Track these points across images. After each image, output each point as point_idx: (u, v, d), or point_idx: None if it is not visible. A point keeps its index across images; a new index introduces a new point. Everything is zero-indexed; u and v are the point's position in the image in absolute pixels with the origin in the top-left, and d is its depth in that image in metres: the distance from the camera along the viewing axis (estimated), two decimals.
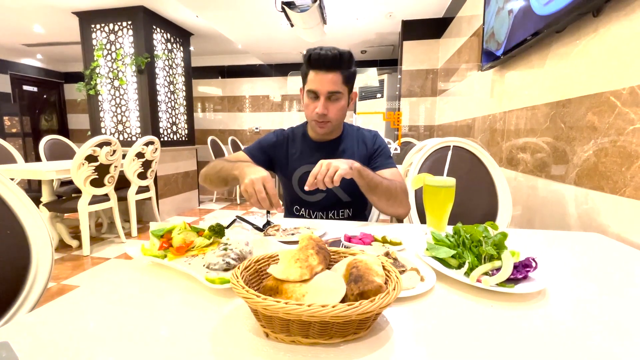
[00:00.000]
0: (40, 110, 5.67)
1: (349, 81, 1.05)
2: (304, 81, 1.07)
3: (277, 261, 0.52)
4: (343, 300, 0.43)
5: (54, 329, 0.45)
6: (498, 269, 0.59)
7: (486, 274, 0.59)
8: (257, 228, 0.88)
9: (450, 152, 0.85)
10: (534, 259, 0.57)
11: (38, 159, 3.33)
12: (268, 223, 0.93)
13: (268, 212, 0.97)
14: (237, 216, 0.98)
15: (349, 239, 0.78)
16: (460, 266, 0.64)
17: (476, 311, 0.50)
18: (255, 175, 0.83)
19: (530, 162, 1.40)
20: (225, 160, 1.09)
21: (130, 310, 0.50)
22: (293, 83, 5.15)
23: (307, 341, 0.41)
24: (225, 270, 0.58)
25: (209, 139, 4.82)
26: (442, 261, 0.65)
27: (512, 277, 0.56)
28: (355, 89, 1.13)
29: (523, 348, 0.41)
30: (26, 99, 5.42)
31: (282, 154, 1.18)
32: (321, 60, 0.99)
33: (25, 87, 5.49)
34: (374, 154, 1.16)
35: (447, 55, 3.19)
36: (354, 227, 0.95)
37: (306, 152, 1.15)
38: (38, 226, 0.87)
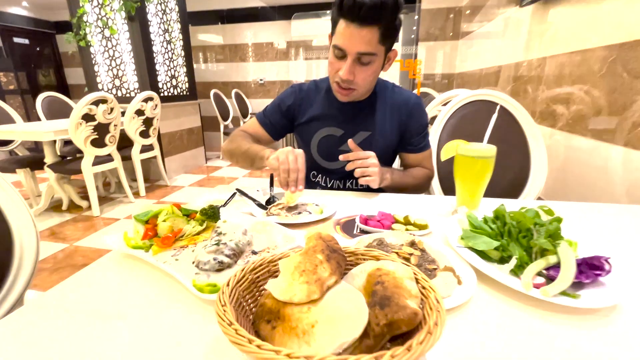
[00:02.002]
0: (35, 64, 5.41)
1: (389, 38, 0.81)
2: (333, 29, 0.84)
3: (278, 269, 0.42)
4: (365, 330, 0.33)
5: (11, 344, 0.37)
6: (553, 267, 0.47)
7: (539, 273, 0.47)
8: (260, 205, 0.77)
9: (496, 114, 0.69)
10: (607, 260, 0.44)
11: (39, 117, 3.21)
12: (271, 199, 0.82)
13: (271, 186, 0.85)
14: (237, 189, 0.87)
15: (365, 220, 0.66)
16: (503, 260, 0.52)
17: (530, 328, 0.40)
18: (289, 148, 0.79)
19: (573, 118, 1.22)
20: (249, 137, 1.02)
21: (100, 325, 0.41)
22: (298, 28, 4.70)
23: None
24: (219, 270, 0.48)
25: (212, 92, 4.57)
26: (480, 252, 0.53)
27: (575, 280, 0.44)
28: None
29: None
30: (18, 53, 5.15)
31: (302, 114, 1.02)
32: (356, 9, 0.74)
33: (16, 40, 5.18)
34: (408, 128, 0.99)
35: None
36: (371, 202, 0.83)
37: (329, 114, 0.98)
38: (19, 211, 0.78)
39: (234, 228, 0.57)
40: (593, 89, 1.09)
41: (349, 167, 0.82)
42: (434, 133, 1.26)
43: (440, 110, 1.80)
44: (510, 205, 0.61)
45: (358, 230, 0.66)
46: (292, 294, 0.35)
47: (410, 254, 0.53)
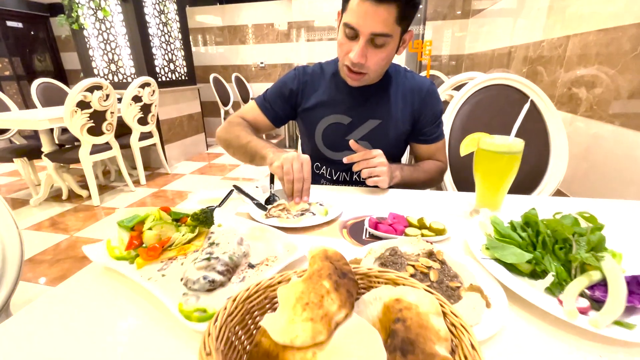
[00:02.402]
0: (30, 49, 5.27)
1: (407, 18, 0.72)
2: (344, 5, 0.75)
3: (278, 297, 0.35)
4: None
5: None
6: (598, 286, 0.41)
7: (581, 294, 0.41)
8: (259, 205, 0.71)
9: (528, 105, 0.60)
10: None
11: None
12: (271, 198, 0.75)
13: (272, 183, 0.79)
14: (234, 186, 0.80)
15: (375, 225, 0.59)
16: (534, 274, 0.46)
17: None
18: (294, 153, 0.71)
19: (597, 103, 1.12)
20: (248, 126, 0.93)
21: (74, 355, 0.36)
22: (299, 7, 4.51)
23: None
24: (210, 290, 0.42)
25: (211, 76, 4.44)
26: (508, 265, 0.47)
27: (627, 304, 0.38)
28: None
29: None
30: (12, 37, 5.01)
31: (305, 99, 0.93)
32: None
33: (10, 24, 5.03)
34: (422, 116, 0.90)
35: None
36: (380, 200, 0.76)
37: (335, 99, 0.90)
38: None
39: (229, 237, 0.50)
40: (623, 70, 1.00)
41: (355, 169, 0.76)
42: (446, 120, 1.17)
43: (450, 95, 1.71)
44: (540, 205, 0.54)
45: (367, 236, 0.59)
46: (293, 335, 0.28)
47: (429, 267, 0.46)
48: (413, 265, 0.47)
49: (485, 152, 0.60)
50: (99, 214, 2.54)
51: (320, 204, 0.70)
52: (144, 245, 0.52)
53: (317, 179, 1.00)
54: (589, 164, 1.15)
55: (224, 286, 0.43)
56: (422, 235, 0.57)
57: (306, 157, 0.70)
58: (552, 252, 0.45)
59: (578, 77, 1.23)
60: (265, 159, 0.77)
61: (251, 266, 0.47)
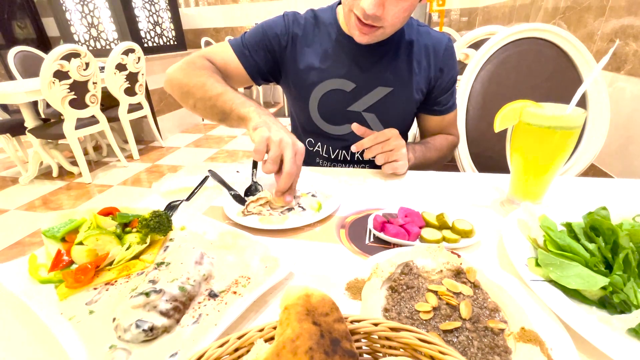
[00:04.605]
0: (9, 15, 4.92)
1: None
2: None
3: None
4: None
5: None
6: None
7: None
8: (237, 197, 0.57)
9: (594, 74, 0.44)
10: None
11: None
12: (253, 187, 0.61)
13: (254, 167, 0.64)
14: (210, 171, 0.66)
15: (382, 225, 0.46)
16: (605, 301, 0.32)
17: None
18: (289, 138, 0.52)
19: None
20: (217, 73, 0.69)
21: None
22: None
23: None
24: (147, 341, 0.30)
25: (203, 40, 4.12)
26: (569, 290, 0.34)
27: None
28: None
29: None
30: None
31: (295, 57, 0.73)
32: None
33: None
34: (438, 82, 0.73)
35: None
36: (387, 187, 0.62)
37: (335, 57, 0.71)
38: None
39: (185, 252, 0.37)
40: None
41: (367, 156, 0.63)
42: (464, 85, 0.99)
43: (465, 54, 1.50)
44: (579, 188, 0.40)
45: (372, 239, 0.46)
46: None
47: (458, 295, 0.34)
48: (436, 292, 0.34)
49: (531, 126, 0.45)
50: (92, 192, 2.44)
51: (313, 195, 0.57)
52: (75, 264, 0.39)
53: (311, 157, 0.85)
54: (632, 133, 0.98)
55: (170, 332, 0.31)
56: (444, 239, 0.44)
57: (301, 146, 0.54)
58: (638, 276, 0.32)
59: (625, 26, 1.03)
60: (245, 121, 0.57)
61: (213, 295, 0.35)
